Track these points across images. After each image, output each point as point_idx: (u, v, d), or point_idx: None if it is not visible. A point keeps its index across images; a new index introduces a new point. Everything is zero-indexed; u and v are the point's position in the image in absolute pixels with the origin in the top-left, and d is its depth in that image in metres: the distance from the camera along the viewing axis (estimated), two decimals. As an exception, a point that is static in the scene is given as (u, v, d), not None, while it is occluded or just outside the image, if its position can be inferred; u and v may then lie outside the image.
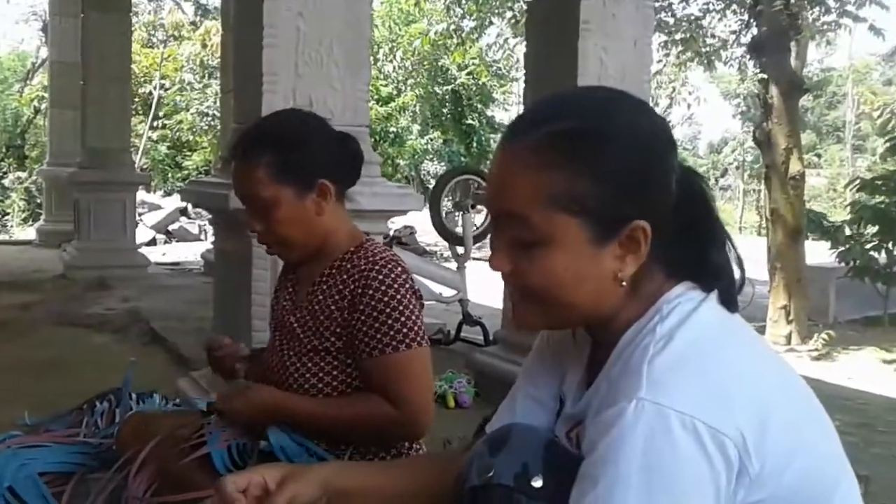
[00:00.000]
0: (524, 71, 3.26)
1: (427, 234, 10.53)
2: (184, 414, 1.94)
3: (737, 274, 1.06)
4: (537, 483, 0.99)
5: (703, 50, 9.87)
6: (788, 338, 6.71)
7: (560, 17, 3.02)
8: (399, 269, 1.68)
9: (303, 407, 1.67)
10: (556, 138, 0.96)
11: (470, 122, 19.31)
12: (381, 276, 1.64)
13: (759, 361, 0.97)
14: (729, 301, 1.03)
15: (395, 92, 18.33)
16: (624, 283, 0.99)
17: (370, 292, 1.63)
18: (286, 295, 1.85)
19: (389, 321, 1.62)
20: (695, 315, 0.96)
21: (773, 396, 0.92)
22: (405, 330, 1.63)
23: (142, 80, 17.17)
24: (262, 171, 1.66)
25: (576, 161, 0.96)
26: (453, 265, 5.07)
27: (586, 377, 1.10)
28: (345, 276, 1.68)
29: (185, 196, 2.97)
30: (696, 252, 1.02)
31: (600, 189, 0.95)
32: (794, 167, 6.71)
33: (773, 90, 6.65)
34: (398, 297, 1.64)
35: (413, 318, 1.64)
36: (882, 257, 7.51)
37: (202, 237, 13.37)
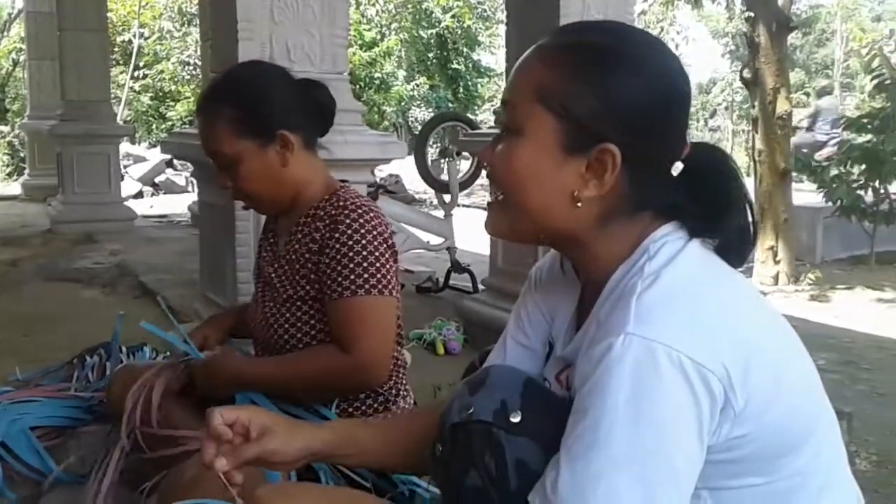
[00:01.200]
0: (505, 13, 3.21)
1: (415, 182, 10.49)
2: (172, 365, 1.94)
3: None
4: (515, 418, 1.01)
5: (691, -12, 9.74)
6: (776, 278, 6.76)
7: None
8: (370, 214, 1.66)
9: (259, 370, 1.69)
10: (576, 47, 1.00)
11: (456, 66, 19.08)
12: (348, 220, 1.63)
13: (744, 300, 0.98)
14: (731, 259, 1.03)
15: (378, 36, 18.03)
16: (579, 205, 1.00)
17: (336, 235, 1.62)
18: (267, 247, 1.86)
19: (351, 265, 1.61)
20: (682, 254, 0.98)
21: (758, 335, 0.94)
22: (366, 276, 1.61)
23: (119, 28, 16.83)
24: (221, 127, 1.66)
25: (583, 70, 0.98)
26: (440, 213, 5.05)
27: (576, 321, 1.12)
28: (318, 223, 1.68)
29: (166, 148, 2.94)
30: (702, 210, 1.02)
31: (592, 102, 0.97)
32: (782, 107, 6.67)
33: (761, 29, 6.57)
34: (363, 241, 1.62)
35: (378, 265, 1.62)
36: (869, 196, 7.53)
37: (189, 189, 13.26)
